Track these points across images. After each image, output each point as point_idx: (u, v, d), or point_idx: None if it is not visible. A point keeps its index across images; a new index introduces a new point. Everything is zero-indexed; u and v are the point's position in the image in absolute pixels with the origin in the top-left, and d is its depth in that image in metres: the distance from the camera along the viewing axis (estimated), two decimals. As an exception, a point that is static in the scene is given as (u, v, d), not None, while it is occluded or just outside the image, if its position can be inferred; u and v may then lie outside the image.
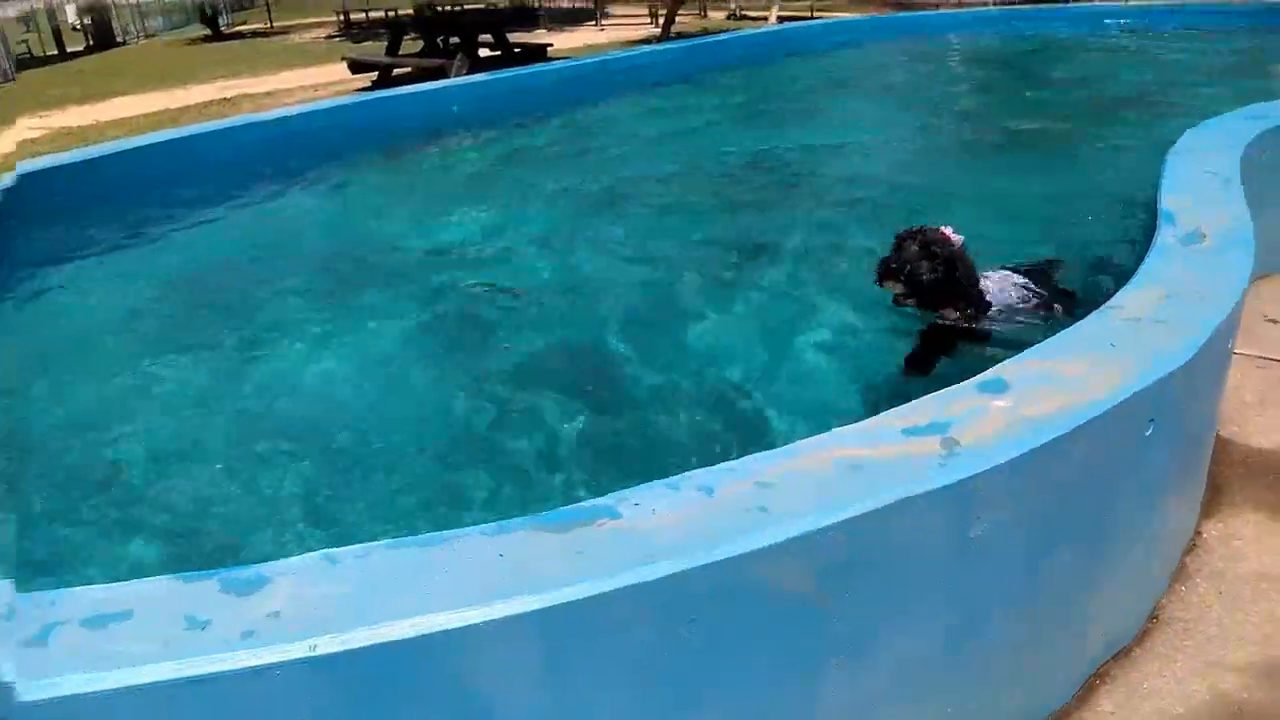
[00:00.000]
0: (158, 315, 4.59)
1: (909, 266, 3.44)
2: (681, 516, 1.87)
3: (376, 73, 14.12)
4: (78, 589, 1.70)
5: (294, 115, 7.32)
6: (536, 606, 1.64)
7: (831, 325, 4.01)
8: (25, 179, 5.51)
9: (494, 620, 1.61)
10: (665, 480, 1.99)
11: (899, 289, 3.53)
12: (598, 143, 7.77)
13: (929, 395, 2.27)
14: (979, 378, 2.34)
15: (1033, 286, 3.85)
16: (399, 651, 1.58)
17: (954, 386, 2.31)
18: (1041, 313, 3.77)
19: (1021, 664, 2.38)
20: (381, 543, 1.82)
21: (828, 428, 2.18)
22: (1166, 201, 3.44)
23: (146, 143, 6.54)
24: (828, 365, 3.76)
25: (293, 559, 1.79)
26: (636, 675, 1.80)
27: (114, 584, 1.71)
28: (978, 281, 3.64)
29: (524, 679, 1.70)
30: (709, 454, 3.13)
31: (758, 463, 2.05)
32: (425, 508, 3.04)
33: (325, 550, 1.79)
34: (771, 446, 2.10)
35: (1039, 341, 2.55)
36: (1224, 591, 2.80)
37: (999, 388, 2.27)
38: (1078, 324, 2.63)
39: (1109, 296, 2.75)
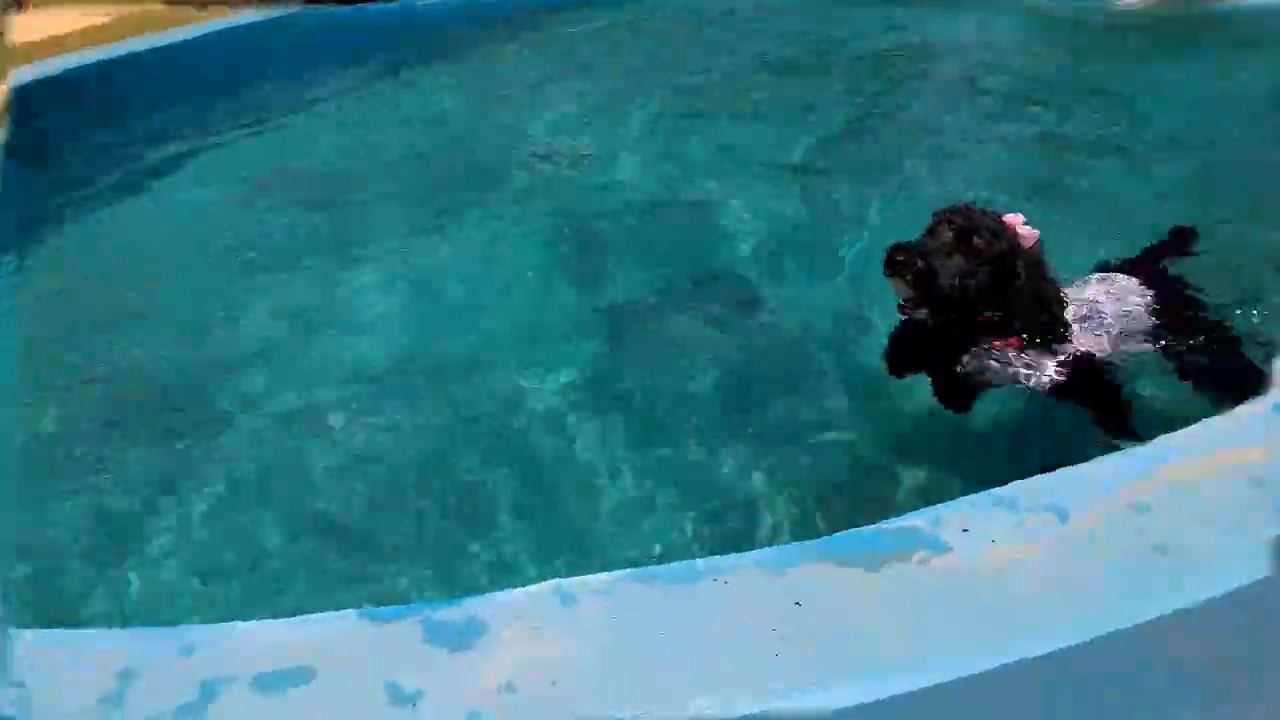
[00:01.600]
0: (246, 215, 4.17)
1: (926, 262, 2.06)
2: (1034, 552, 1.35)
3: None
4: (246, 626, 1.29)
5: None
6: (873, 696, 1.15)
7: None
8: (101, 66, 5.04)
9: (819, 715, 1.14)
10: (992, 493, 1.47)
11: (905, 291, 2.11)
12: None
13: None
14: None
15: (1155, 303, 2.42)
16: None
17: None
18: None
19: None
20: (627, 573, 1.36)
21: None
22: None
23: (207, 31, 5.91)
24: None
25: (516, 592, 1.34)
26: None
27: (293, 621, 1.29)
28: (1057, 302, 2.21)
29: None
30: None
31: (1118, 470, 1.50)
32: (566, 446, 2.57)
33: (556, 582, 1.34)
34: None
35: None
36: None
37: None
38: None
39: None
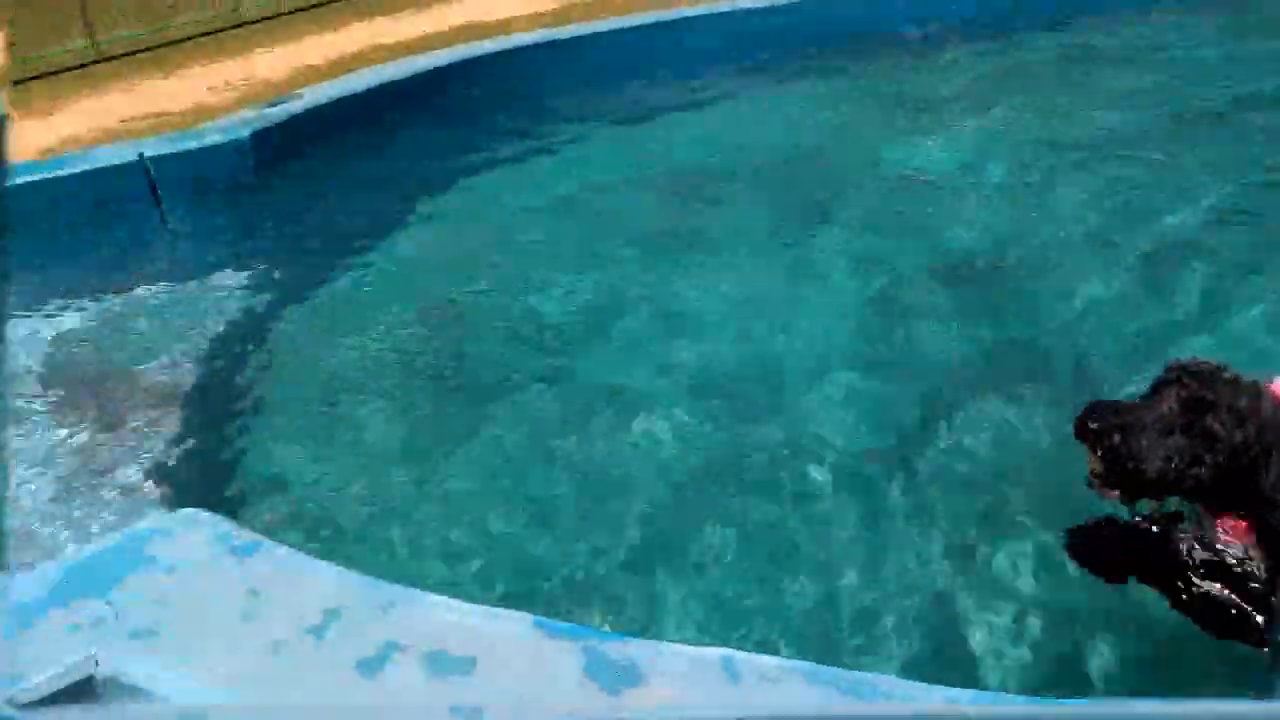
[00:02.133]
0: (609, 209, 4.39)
1: (1124, 438, 1.57)
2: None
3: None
4: (438, 600, 1.37)
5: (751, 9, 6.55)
6: None
7: None
8: (442, 71, 5.22)
9: None
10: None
11: (1096, 464, 1.65)
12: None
13: None
14: None
15: None
16: None
17: None
18: None
19: None
20: (802, 666, 1.26)
21: None
22: None
23: (580, 33, 6.16)
24: None
25: (684, 648, 1.30)
26: None
27: (476, 609, 1.36)
28: None
29: None
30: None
31: None
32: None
33: (728, 652, 1.28)
34: None
35: None
36: None
37: None
38: None
39: None
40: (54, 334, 3.09)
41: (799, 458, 2.55)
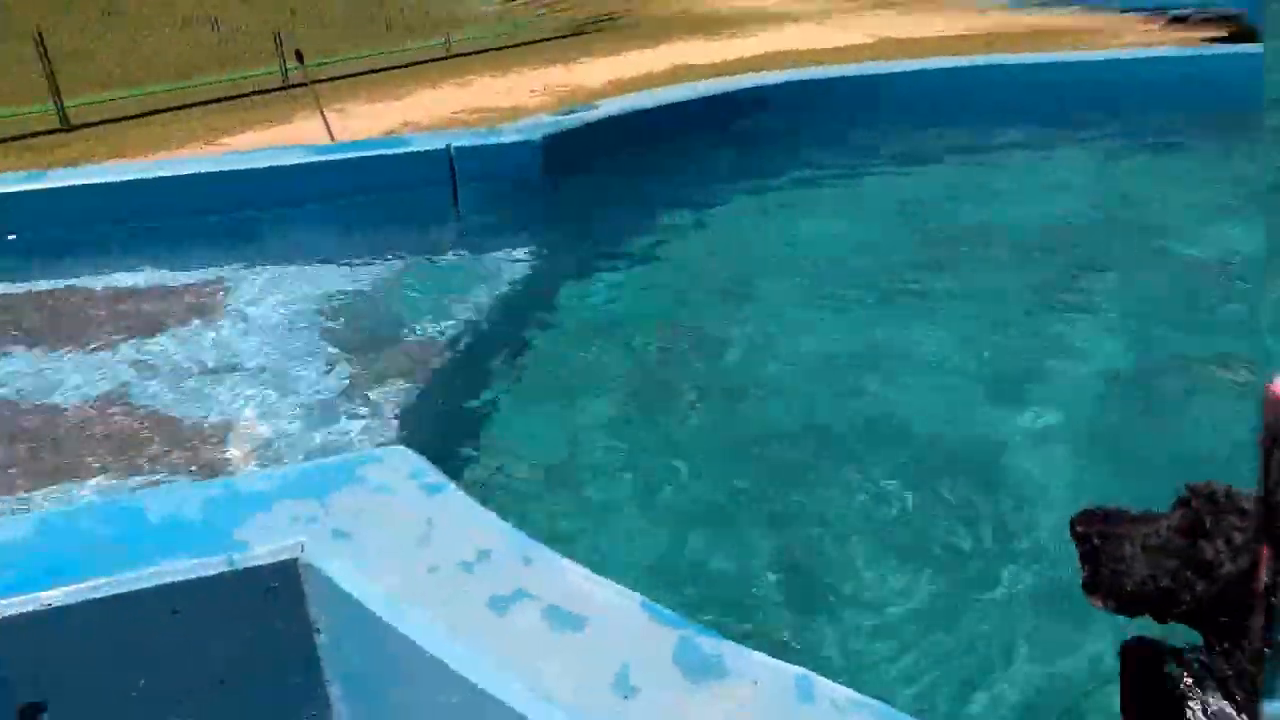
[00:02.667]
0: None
1: (1107, 545, 1.48)
2: None
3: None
4: (567, 564, 1.57)
5: (1119, 59, 6.15)
6: None
7: None
8: (730, 97, 5.38)
9: None
10: None
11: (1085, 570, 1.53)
12: None
13: None
14: None
15: None
16: None
17: None
18: None
19: None
20: (879, 706, 1.33)
21: None
22: None
23: (885, 71, 6.02)
24: None
25: (766, 659, 1.40)
26: None
27: (601, 581, 1.53)
28: None
29: None
30: None
31: None
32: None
33: (804, 672, 1.37)
34: None
35: None
36: None
37: None
38: None
39: None
40: (347, 288, 3.63)
41: (1005, 530, 2.51)
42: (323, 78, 12.01)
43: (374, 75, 12.72)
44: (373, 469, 1.81)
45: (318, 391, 2.90)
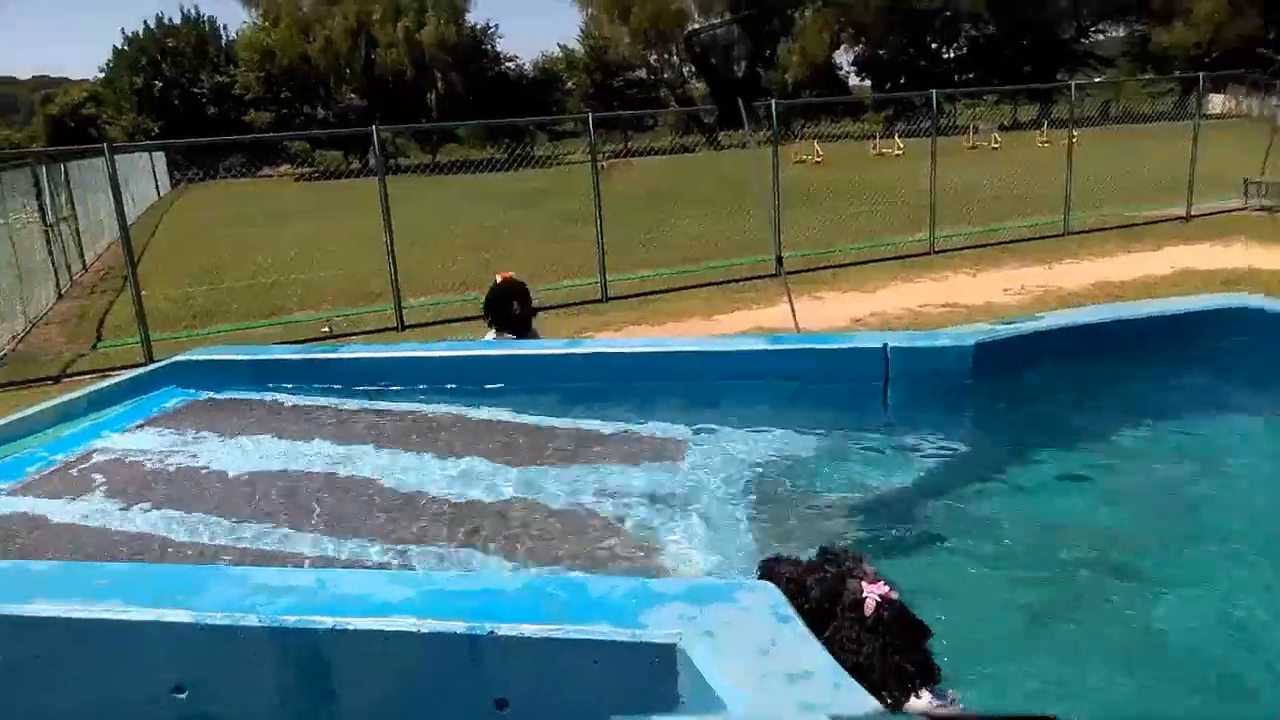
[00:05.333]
0: None
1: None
2: None
3: None
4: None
5: None
6: None
7: None
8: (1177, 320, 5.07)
9: None
10: None
11: None
12: None
13: None
14: None
15: None
16: None
17: None
18: None
19: None
20: None
21: None
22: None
23: None
24: None
25: None
26: None
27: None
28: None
29: None
30: None
31: None
32: None
33: None
34: None
35: None
36: None
37: None
38: None
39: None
40: (777, 456, 4.31)
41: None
42: (811, 267, 13.47)
43: (860, 266, 13.91)
44: (744, 594, 2.38)
45: (735, 532, 3.58)
